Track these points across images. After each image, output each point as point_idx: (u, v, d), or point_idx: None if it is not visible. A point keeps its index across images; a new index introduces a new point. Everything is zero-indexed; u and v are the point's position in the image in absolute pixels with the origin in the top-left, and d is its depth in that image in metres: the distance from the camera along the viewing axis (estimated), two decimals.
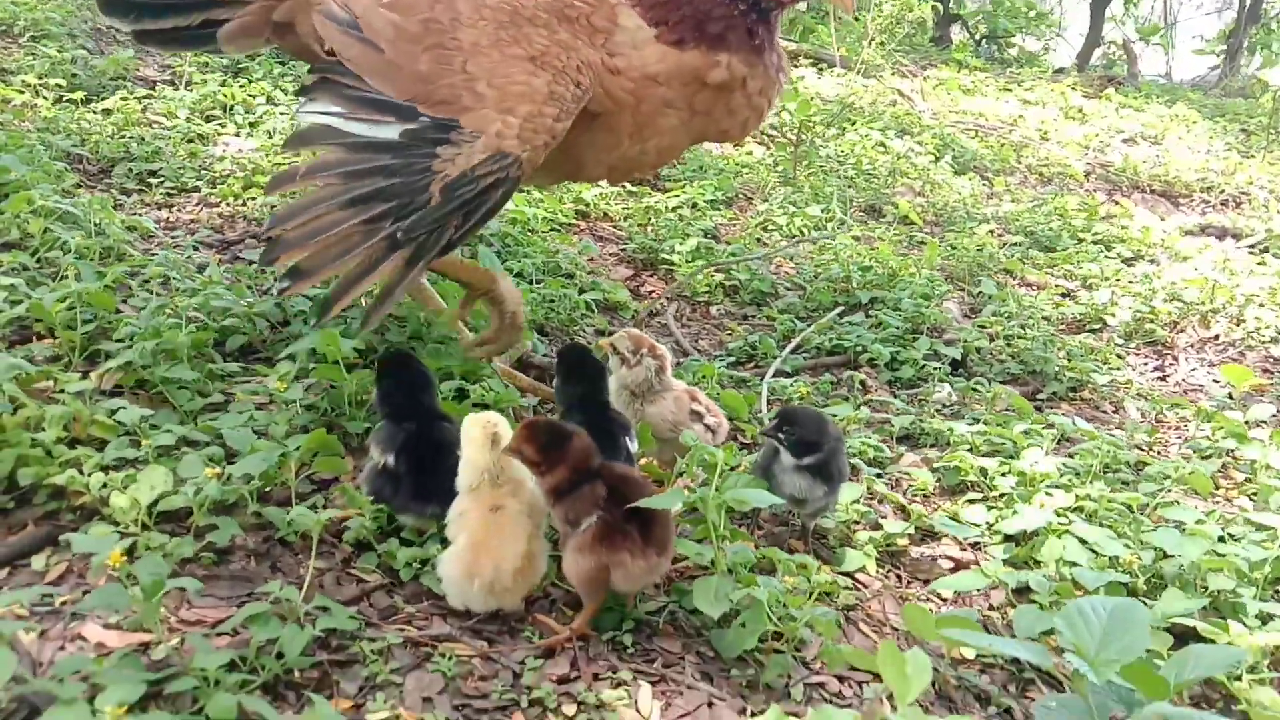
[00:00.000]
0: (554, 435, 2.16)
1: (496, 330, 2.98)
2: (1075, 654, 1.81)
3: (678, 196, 5.67)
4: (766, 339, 4.12)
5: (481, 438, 2.19)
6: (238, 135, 5.07)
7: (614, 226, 5.26)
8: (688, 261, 4.77)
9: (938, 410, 3.75)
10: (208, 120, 5.17)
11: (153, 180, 4.32)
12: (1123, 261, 6.11)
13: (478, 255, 3.90)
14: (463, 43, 2.49)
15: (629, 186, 5.63)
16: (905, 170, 7.34)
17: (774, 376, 3.78)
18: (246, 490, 2.25)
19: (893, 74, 10.92)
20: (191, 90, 5.43)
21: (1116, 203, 7.70)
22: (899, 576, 2.68)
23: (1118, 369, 4.57)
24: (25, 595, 1.85)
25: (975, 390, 3.97)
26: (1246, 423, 3.72)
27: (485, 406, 2.80)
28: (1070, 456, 3.36)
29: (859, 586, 2.56)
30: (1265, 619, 2.46)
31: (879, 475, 3.07)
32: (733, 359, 4.02)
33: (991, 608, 2.59)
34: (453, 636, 2.06)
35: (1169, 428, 4.03)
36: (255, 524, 2.26)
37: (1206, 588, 2.55)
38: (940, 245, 5.64)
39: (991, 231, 6.28)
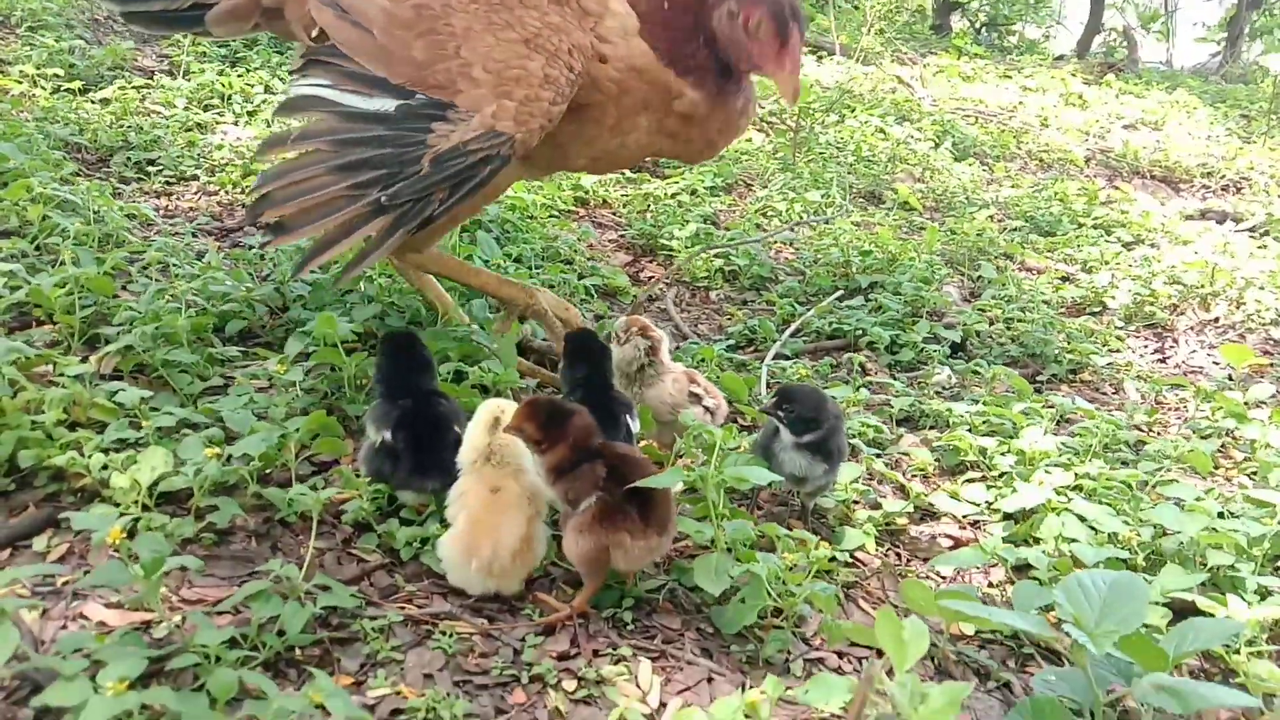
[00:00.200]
0: (555, 413, 2.17)
1: (557, 337, 3.07)
2: (1074, 625, 1.82)
3: (677, 183, 5.67)
4: (766, 323, 4.12)
5: (485, 419, 2.20)
6: (236, 124, 5.07)
7: (613, 213, 5.26)
8: (687, 247, 4.77)
9: (937, 392, 3.75)
10: (206, 109, 5.17)
11: (151, 169, 4.33)
12: (1123, 246, 6.10)
13: (477, 241, 3.91)
14: (456, 28, 2.48)
15: (628, 173, 5.63)
16: (905, 157, 7.33)
17: (773, 360, 3.78)
18: (246, 471, 2.26)
19: (892, 61, 10.90)
20: (189, 80, 5.44)
21: (1117, 188, 7.68)
22: (898, 555, 2.68)
23: (1118, 351, 4.57)
24: (27, 571, 1.85)
25: (975, 373, 3.98)
26: (1246, 403, 3.72)
27: (484, 388, 2.81)
28: (1071, 436, 3.36)
29: (858, 564, 2.57)
30: (1264, 594, 2.46)
31: (878, 455, 3.07)
32: (732, 343, 4.02)
33: (991, 585, 2.59)
34: (453, 614, 2.07)
35: (1169, 409, 4.03)
36: (255, 505, 2.27)
37: (1205, 563, 2.55)
38: (940, 230, 5.63)
39: (991, 216, 6.27)
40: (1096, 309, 5.10)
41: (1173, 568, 2.48)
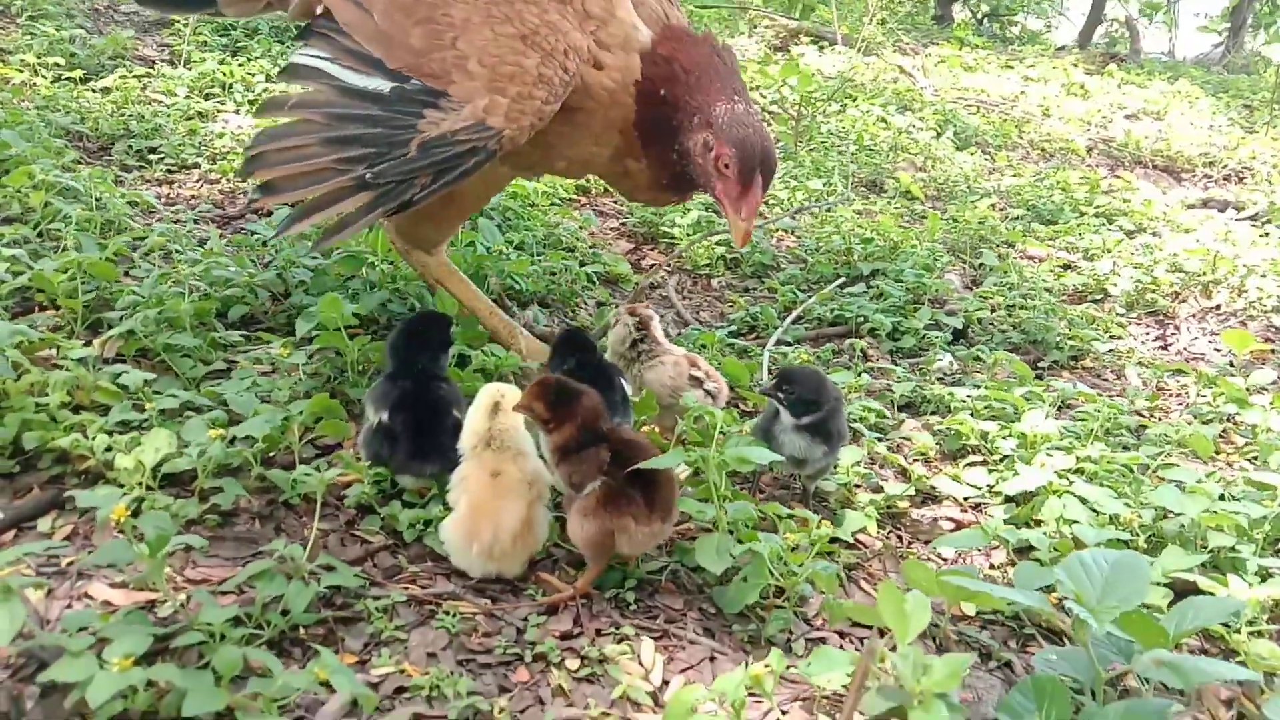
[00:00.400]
0: (564, 393, 2.17)
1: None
2: (1076, 602, 1.82)
3: None
4: (768, 310, 4.12)
5: (486, 404, 2.21)
6: (237, 113, 5.07)
7: (614, 201, 5.25)
8: (688, 235, 4.77)
9: (939, 379, 3.75)
10: (207, 98, 5.17)
11: (153, 157, 4.33)
12: (1125, 234, 6.09)
13: (478, 227, 3.91)
14: (454, 18, 2.48)
15: None
16: (906, 146, 7.32)
17: (775, 346, 3.78)
18: (250, 453, 2.27)
19: (894, 51, 10.88)
20: (190, 69, 5.43)
21: (1119, 177, 7.67)
22: (900, 537, 2.68)
23: (1119, 338, 4.57)
24: (33, 548, 1.86)
25: (977, 359, 3.98)
26: (1248, 388, 3.72)
27: (486, 372, 2.81)
28: (1072, 421, 3.36)
29: (860, 546, 2.57)
30: (1265, 575, 2.47)
31: (880, 439, 3.07)
32: (734, 329, 4.02)
33: (993, 567, 2.60)
34: (456, 595, 2.08)
35: (1170, 394, 4.03)
36: (259, 487, 2.27)
37: (1206, 545, 2.56)
38: (942, 218, 5.62)
39: (993, 205, 6.26)
40: (1098, 296, 5.10)
41: (1174, 549, 2.48)
